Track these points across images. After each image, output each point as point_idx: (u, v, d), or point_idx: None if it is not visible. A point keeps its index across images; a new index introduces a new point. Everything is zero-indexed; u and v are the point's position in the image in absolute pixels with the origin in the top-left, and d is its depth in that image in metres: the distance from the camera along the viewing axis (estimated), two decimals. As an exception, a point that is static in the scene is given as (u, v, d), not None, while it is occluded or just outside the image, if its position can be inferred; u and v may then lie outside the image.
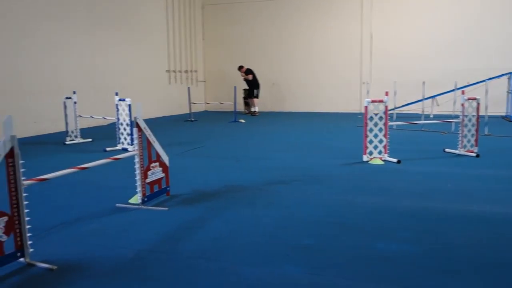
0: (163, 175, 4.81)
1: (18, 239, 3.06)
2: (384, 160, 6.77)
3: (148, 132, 4.53)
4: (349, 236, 3.67)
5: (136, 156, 4.41)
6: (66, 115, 9.04)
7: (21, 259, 3.09)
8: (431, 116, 13.18)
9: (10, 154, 2.95)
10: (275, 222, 4.04)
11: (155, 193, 4.69)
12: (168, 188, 4.91)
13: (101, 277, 2.94)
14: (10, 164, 2.97)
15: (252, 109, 15.78)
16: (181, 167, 6.40)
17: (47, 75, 10.72)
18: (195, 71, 17.63)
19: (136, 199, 4.53)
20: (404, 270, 3.01)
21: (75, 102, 8.98)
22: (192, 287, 2.82)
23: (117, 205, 4.56)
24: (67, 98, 9.04)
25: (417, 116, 12.25)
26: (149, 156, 4.57)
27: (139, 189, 4.45)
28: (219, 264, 3.12)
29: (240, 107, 15.96)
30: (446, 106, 13.09)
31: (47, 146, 8.75)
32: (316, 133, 10.67)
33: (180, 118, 14.76)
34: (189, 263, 3.14)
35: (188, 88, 14.58)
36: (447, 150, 7.54)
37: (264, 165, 6.74)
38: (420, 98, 12.33)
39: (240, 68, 15.75)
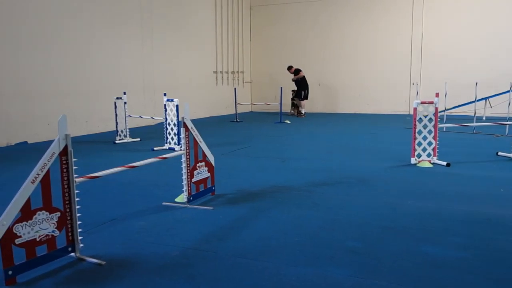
0: (208, 174, 4.87)
1: (70, 234, 3.18)
2: (433, 163, 6.60)
3: (195, 132, 4.59)
4: (395, 239, 3.60)
5: (183, 156, 4.48)
6: (116, 115, 9.30)
7: (72, 254, 3.21)
8: (484, 118, 12.75)
9: (64, 152, 3.06)
10: (319, 223, 4.01)
11: (201, 192, 4.75)
12: (213, 188, 4.96)
13: (148, 273, 3.01)
14: (64, 162, 3.08)
15: (298, 110, 15.68)
16: (227, 167, 6.45)
17: (99, 76, 11.07)
18: (242, 72, 17.75)
19: (182, 198, 4.60)
20: (453, 276, 2.92)
21: (125, 103, 9.22)
22: (235, 285, 2.84)
23: (163, 203, 4.65)
24: (117, 98, 9.30)
25: (469, 118, 11.87)
26: (195, 155, 4.63)
27: (185, 188, 4.52)
28: (263, 264, 3.13)
29: (286, 108, 15.92)
30: (500, 108, 12.62)
31: (98, 145, 9.03)
32: (362, 135, 10.52)
33: (226, 118, 14.90)
34: (233, 262, 3.17)
35: (235, 88, 14.70)
36: (500, 153, 7.26)
37: (310, 166, 6.70)
38: (472, 100, 11.93)
39: (289, 68, 15.69)
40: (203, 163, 4.77)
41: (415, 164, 6.63)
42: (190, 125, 4.51)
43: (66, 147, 3.06)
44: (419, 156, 6.69)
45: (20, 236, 2.83)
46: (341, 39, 16.64)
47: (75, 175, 3.15)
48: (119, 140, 9.33)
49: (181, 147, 4.58)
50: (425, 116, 6.65)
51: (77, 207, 3.19)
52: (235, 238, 3.67)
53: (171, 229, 3.90)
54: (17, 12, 9.05)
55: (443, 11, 15.05)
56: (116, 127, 9.37)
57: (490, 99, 13.07)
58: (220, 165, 5.62)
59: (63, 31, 10.09)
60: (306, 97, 15.57)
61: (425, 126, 6.63)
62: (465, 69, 14.57)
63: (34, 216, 2.90)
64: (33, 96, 9.44)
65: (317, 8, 16.83)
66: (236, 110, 14.30)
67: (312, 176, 5.95)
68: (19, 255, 2.86)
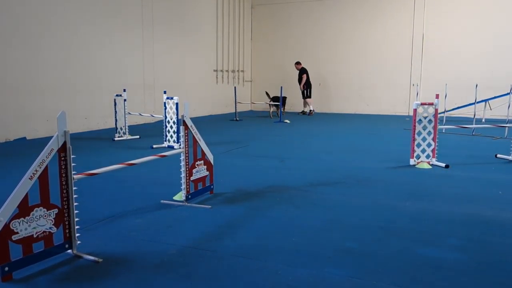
0: (207, 173, 4.86)
1: (67, 231, 3.17)
2: (431, 165, 6.60)
3: (194, 131, 4.58)
4: (393, 241, 3.59)
5: (181, 154, 4.47)
6: (116, 112, 9.29)
7: (69, 251, 3.20)
8: (483, 120, 12.75)
9: (63, 149, 3.05)
10: (318, 224, 4.01)
11: (199, 191, 4.75)
12: (212, 186, 4.96)
13: (145, 271, 3.00)
14: (62, 158, 3.07)
15: (306, 109, 15.93)
16: (225, 166, 6.45)
17: (99, 73, 11.06)
18: (242, 71, 17.74)
19: (181, 196, 4.60)
20: (450, 278, 2.92)
21: (125, 100, 9.21)
22: (232, 285, 2.83)
23: (161, 201, 4.64)
24: (117, 95, 9.29)
25: (468, 120, 11.87)
26: (194, 154, 4.62)
27: (183, 186, 4.51)
28: (260, 264, 3.12)
29: (286, 107, 15.93)
30: (499, 110, 12.62)
31: (97, 142, 9.03)
32: (362, 135, 10.52)
33: (226, 117, 14.90)
34: (231, 262, 3.16)
35: (235, 87, 14.69)
36: (499, 155, 7.26)
37: (309, 166, 6.70)
38: (472, 102, 11.92)
39: (298, 63, 16.26)
40: (202, 162, 4.77)
41: (414, 165, 6.63)
42: (189, 123, 4.51)
43: (64, 143, 3.05)
44: (418, 157, 6.69)
45: (17, 233, 2.82)
46: (341, 39, 16.63)
47: (73, 172, 3.14)
48: (118, 137, 9.32)
49: (180, 145, 4.58)
50: (425, 118, 6.65)
51: (75, 204, 3.18)
52: (232, 237, 3.66)
53: (168, 227, 3.90)
54: (17, 8, 9.03)
55: (444, 13, 15.05)
56: (116, 124, 9.36)
57: (490, 101, 13.07)
58: (219, 164, 5.61)
59: (63, 27, 10.07)
60: (309, 96, 16.22)
61: (424, 128, 6.64)
62: (466, 71, 14.57)
63: (32, 213, 2.89)
64: (32, 92, 9.43)
65: (318, 8, 16.81)
66: (236, 109, 14.30)
67: (311, 176, 5.94)
68: (16, 251, 2.85)
